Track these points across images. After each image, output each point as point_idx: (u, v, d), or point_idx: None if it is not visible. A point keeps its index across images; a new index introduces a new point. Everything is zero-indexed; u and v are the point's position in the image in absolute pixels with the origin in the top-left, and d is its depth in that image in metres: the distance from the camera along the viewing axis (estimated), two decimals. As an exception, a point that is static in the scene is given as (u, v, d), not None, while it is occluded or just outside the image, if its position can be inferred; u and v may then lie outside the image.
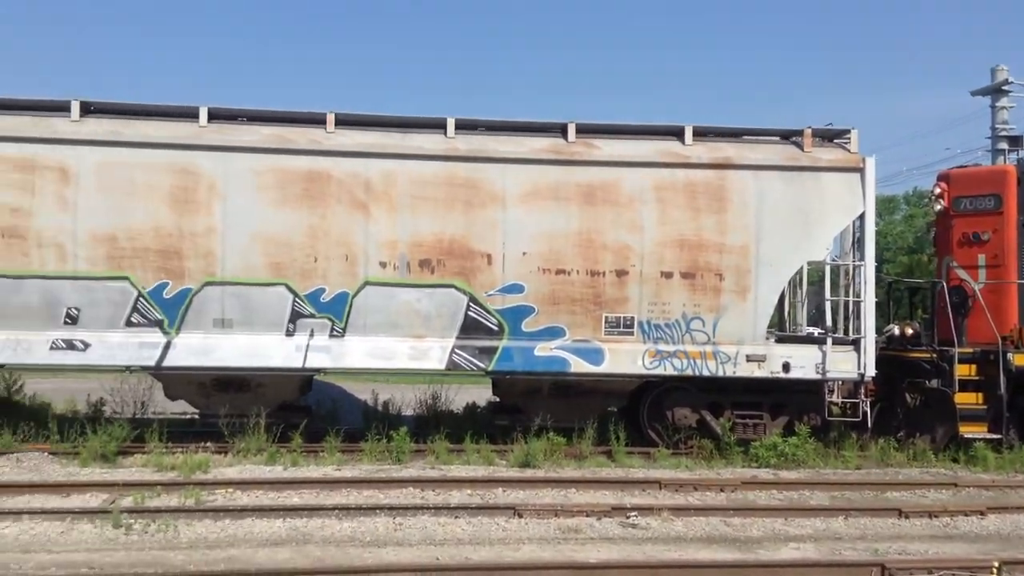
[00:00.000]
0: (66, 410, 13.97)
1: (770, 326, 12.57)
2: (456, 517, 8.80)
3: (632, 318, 11.82)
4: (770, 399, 12.42)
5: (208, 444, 11.59)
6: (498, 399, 13.33)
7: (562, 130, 12.01)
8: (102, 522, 8.15)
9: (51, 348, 11.05)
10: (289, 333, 11.44)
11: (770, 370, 11.96)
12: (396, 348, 11.58)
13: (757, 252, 11.87)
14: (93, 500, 8.97)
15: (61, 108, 11.20)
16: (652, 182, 11.84)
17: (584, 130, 12.02)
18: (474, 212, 11.61)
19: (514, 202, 11.66)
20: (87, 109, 11.29)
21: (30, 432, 11.58)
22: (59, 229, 10.93)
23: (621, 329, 11.83)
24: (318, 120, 11.59)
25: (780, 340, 12.38)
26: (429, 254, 11.54)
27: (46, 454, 10.93)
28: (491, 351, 11.69)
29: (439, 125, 11.79)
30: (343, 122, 11.65)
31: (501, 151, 11.72)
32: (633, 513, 9.13)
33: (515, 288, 11.70)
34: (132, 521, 8.18)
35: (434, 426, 12.73)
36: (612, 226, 11.71)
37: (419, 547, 7.92)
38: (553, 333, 11.72)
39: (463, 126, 11.85)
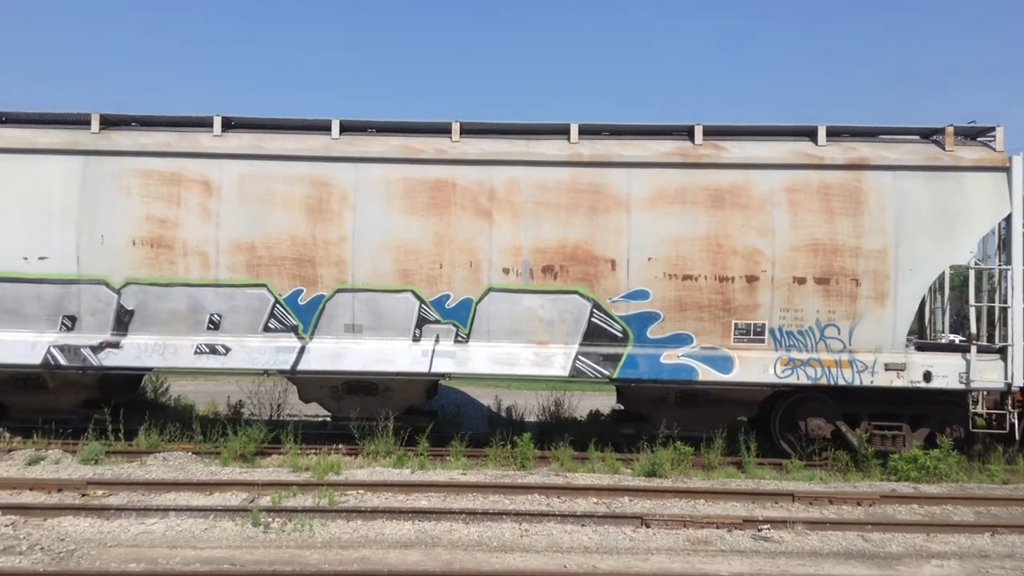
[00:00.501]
0: (208, 412, 14.74)
1: (910, 333, 11.97)
2: (582, 525, 8.76)
3: (763, 325, 11.49)
4: (910, 410, 11.84)
5: (340, 446, 11.97)
6: (622, 407, 13.21)
7: (688, 132, 11.82)
8: (242, 520, 8.49)
9: (196, 352, 11.64)
10: (416, 339, 11.67)
11: (910, 379, 11.39)
12: (519, 354, 11.64)
13: (896, 256, 11.33)
14: (234, 499, 9.37)
15: (204, 124, 11.83)
16: (783, 184, 11.50)
17: (711, 132, 11.79)
18: (598, 217, 11.55)
19: (639, 206, 11.54)
20: (228, 124, 11.88)
21: (175, 432, 12.29)
22: (203, 239, 11.52)
23: (751, 336, 11.52)
24: (444, 129, 11.81)
25: (920, 348, 11.77)
26: (552, 260, 11.56)
27: (190, 454, 11.54)
28: (615, 358, 11.59)
29: (563, 131, 11.81)
30: (468, 131, 11.84)
31: (625, 155, 11.63)
32: (765, 526, 8.85)
33: (640, 294, 11.56)
34: (270, 520, 8.49)
35: (557, 433, 12.73)
36: (741, 230, 11.43)
37: (546, 554, 7.92)
38: (680, 340, 11.53)
39: (587, 131, 11.83)
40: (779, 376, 11.47)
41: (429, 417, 12.74)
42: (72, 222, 11.42)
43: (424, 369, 11.68)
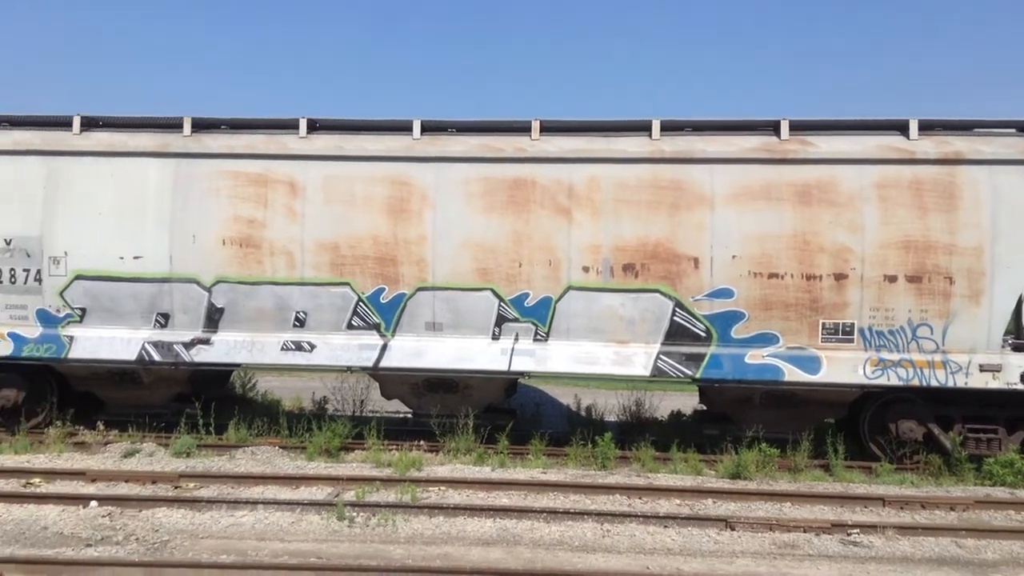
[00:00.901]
0: (293, 407, 15.12)
1: (1006, 333, 11.49)
2: (665, 527, 8.68)
3: (852, 324, 11.19)
4: (1006, 412, 11.39)
5: (421, 442, 12.14)
6: (705, 407, 13.04)
7: (774, 127, 11.59)
8: (328, 514, 8.67)
9: (282, 349, 11.93)
10: (495, 337, 11.73)
11: (1006, 381, 10.95)
12: (599, 353, 11.60)
13: (992, 253, 10.90)
14: (319, 493, 9.58)
15: (290, 126, 12.12)
16: (873, 179, 11.18)
17: (798, 127, 11.54)
18: (680, 215, 11.42)
19: (723, 203, 11.37)
20: (313, 126, 12.14)
21: (263, 427, 12.64)
22: (289, 239, 11.80)
23: (840, 336, 11.23)
24: (524, 128, 11.84)
25: (1017, 348, 11.29)
26: (633, 258, 11.47)
27: (277, 448, 11.86)
28: (698, 358, 11.44)
29: (644, 128, 11.71)
30: (548, 129, 11.84)
31: (709, 151, 11.47)
32: (855, 530, 8.64)
33: (724, 293, 11.39)
34: (355, 514, 8.66)
35: (638, 432, 12.64)
36: (829, 227, 11.15)
37: (628, 555, 7.88)
38: (765, 340, 11.32)
39: (668, 127, 11.71)
40: (869, 377, 11.16)
41: (508, 415, 12.81)
42: (165, 223, 11.84)
43: (503, 367, 11.73)
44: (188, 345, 11.96)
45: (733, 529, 8.63)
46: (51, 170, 11.99)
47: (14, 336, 12.06)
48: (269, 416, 13.07)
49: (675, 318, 11.46)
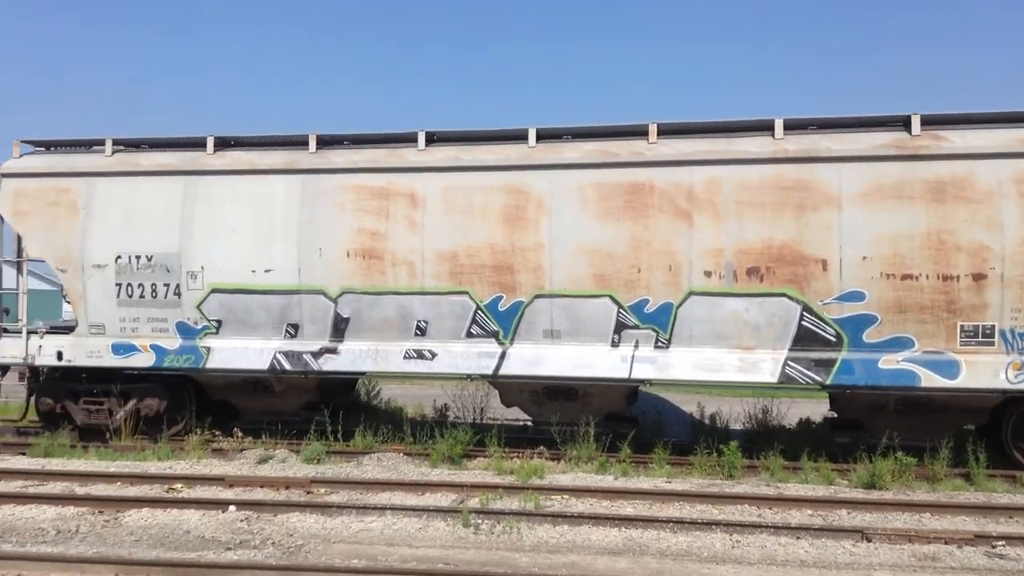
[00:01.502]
0: (415, 414, 15.46)
1: None
2: (797, 538, 8.45)
3: (992, 327, 10.63)
4: None
5: (542, 449, 12.21)
6: (836, 415, 12.61)
7: (904, 123, 11.14)
8: (453, 521, 8.82)
9: (405, 357, 12.24)
10: (614, 344, 11.69)
11: None
12: (724, 360, 11.39)
13: None
14: (443, 499, 9.77)
15: (409, 139, 12.46)
16: (1012, 174, 10.60)
17: (929, 121, 11.06)
18: (806, 216, 11.11)
19: (851, 203, 11.00)
20: (431, 139, 12.44)
21: (388, 434, 12.98)
22: (410, 249, 12.09)
23: (979, 339, 10.68)
24: (640, 132, 11.78)
25: None
26: (757, 262, 11.23)
27: (402, 455, 12.16)
28: (828, 364, 11.09)
29: (766, 127, 11.46)
30: (665, 131, 11.75)
31: (835, 149, 11.12)
32: (1000, 542, 8.20)
33: (854, 296, 11.01)
34: (479, 521, 8.78)
35: (766, 441, 12.33)
36: (965, 225, 10.63)
37: (759, 566, 7.71)
38: (899, 344, 10.87)
39: (792, 126, 11.42)
40: (1012, 382, 10.57)
41: (630, 423, 12.74)
42: (293, 237, 12.35)
43: (623, 375, 11.68)
44: (316, 354, 12.43)
45: (869, 541, 8.33)
46: (188, 189, 12.70)
47: (156, 348, 12.82)
48: (393, 423, 13.42)
49: (803, 322, 11.15)
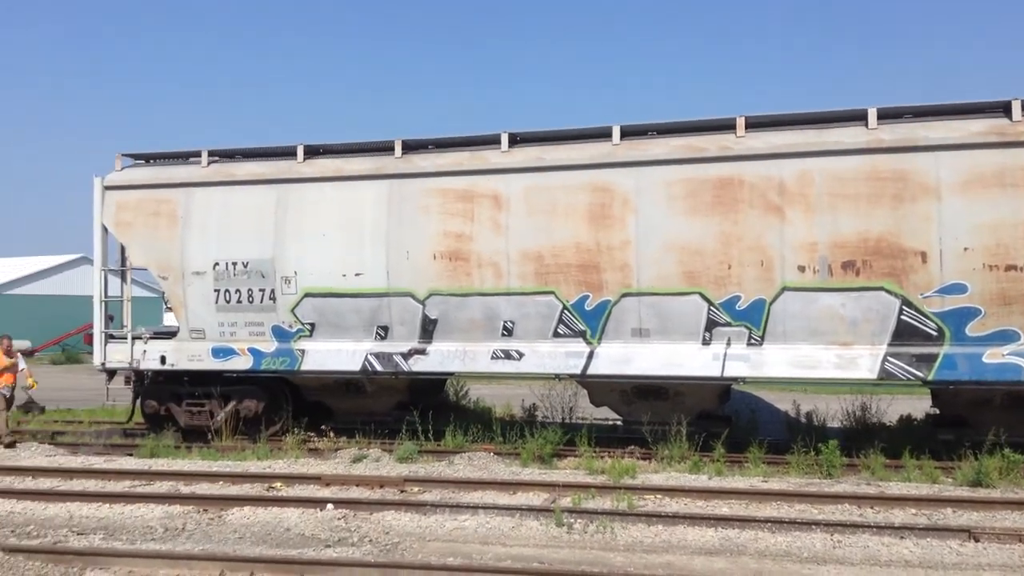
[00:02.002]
0: (504, 414, 15.58)
1: None
2: (901, 537, 8.20)
3: (1107, 318, 10.13)
4: None
5: (633, 449, 12.15)
6: (938, 411, 12.20)
7: (1004, 109, 10.72)
8: (546, 520, 8.85)
9: (492, 358, 12.36)
10: (705, 342, 11.56)
11: None
12: (820, 356, 11.16)
13: None
14: (535, 499, 9.81)
15: (492, 141, 12.58)
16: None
17: (1032, 105, 10.60)
18: (903, 207, 10.79)
19: (950, 192, 10.64)
20: (514, 140, 12.53)
21: (477, 433, 13.12)
22: (495, 251, 12.20)
23: (1092, 331, 10.20)
24: (727, 126, 11.63)
25: None
26: (853, 255, 10.96)
27: (492, 454, 12.27)
28: (930, 359, 10.76)
29: (859, 117, 11.18)
30: (753, 124, 11.57)
31: (932, 138, 10.77)
32: (1121, 544, 7.81)
33: (956, 288, 10.65)
34: (572, 520, 8.79)
35: (865, 439, 12.01)
36: (1074, 212, 10.17)
37: (862, 567, 7.52)
38: (1005, 337, 10.47)
39: (886, 115, 11.11)
40: None
41: (723, 422, 12.57)
42: (381, 240, 12.60)
43: (715, 373, 11.54)
44: (406, 355, 12.67)
45: (977, 540, 8.03)
46: (280, 196, 13.10)
47: (253, 351, 13.27)
48: (482, 423, 13.56)
49: (903, 317, 10.85)
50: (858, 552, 7.90)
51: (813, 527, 8.38)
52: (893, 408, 13.75)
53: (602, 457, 11.72)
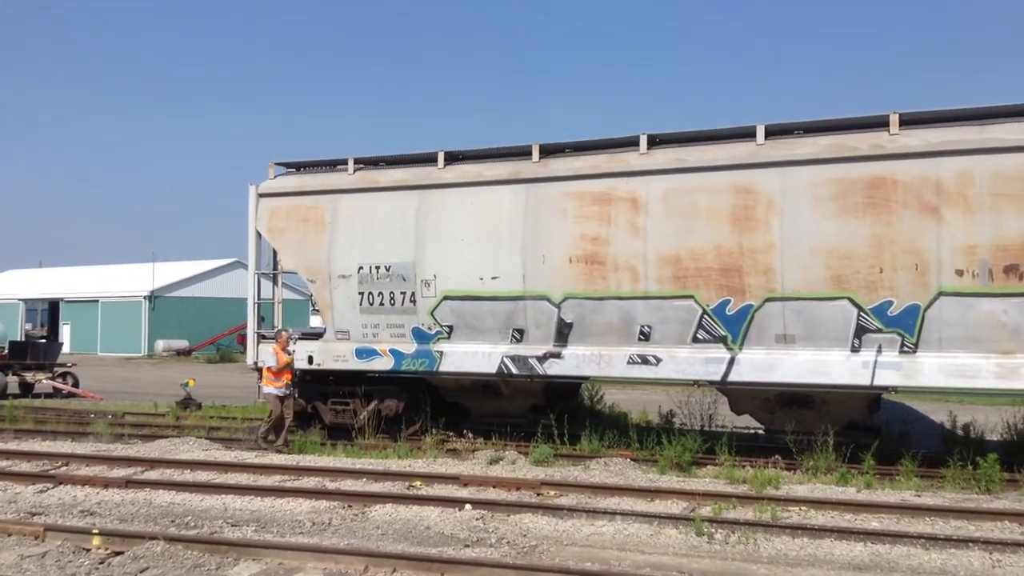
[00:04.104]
0: (640, 420, 15.47)
1: None
2: (1070, 561, 7.68)
3: None
4: None
5: (777, 458, 11.84)
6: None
7: None
8: (685, 528, 8.70)
9: (628, 363, 12.31)
10: (854, 349, 11.15)
11: None
12: (979, 365, 10.57)
13: None
14: (674, 507, 9.67)
15: (631, 143, 12.53)
16: None
17: None
18: (1077, 206, 10.09)
19: None
20: (653, 141, 12.45)
21: (613, 439, 13.10)
22: (632, 254, 12.13)
23: None
24: (880, 123, 11.18)
25: None
26: (1016, 258, 10.34)
27: (628, 460, 12.21)
28: (1104, 369, 10.01)
29: (1023, 112, 10.53)
30: (908, 121, 11.08)
31: (1108, 131, 10.03)
32: None
33: None
34: (713, 530, 8.62)
35: (1030, 453, 11.27)
36: None
37: (1026, 591, 7.10)
38: None
39: (1053, 109, 10.42)
40: None
41: (872, 433, 12.07)
42: (518, 244, 12.79)
43: (865, 382, 11.12)
44: (541, 359, 12.80)
45: None
46: (421, 202, 13.52)
47: (394, 352, 13.73)
48: (617, 428, 13.51)
49: (1074, 324, 10.12)
50: (1020, 573, 7.46)
51: (970, 544, 7.96)
52: (1061, 420, 12.83)
53: (744, 467, 11.47)
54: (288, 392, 13.78)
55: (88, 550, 8.10)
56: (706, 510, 9.34)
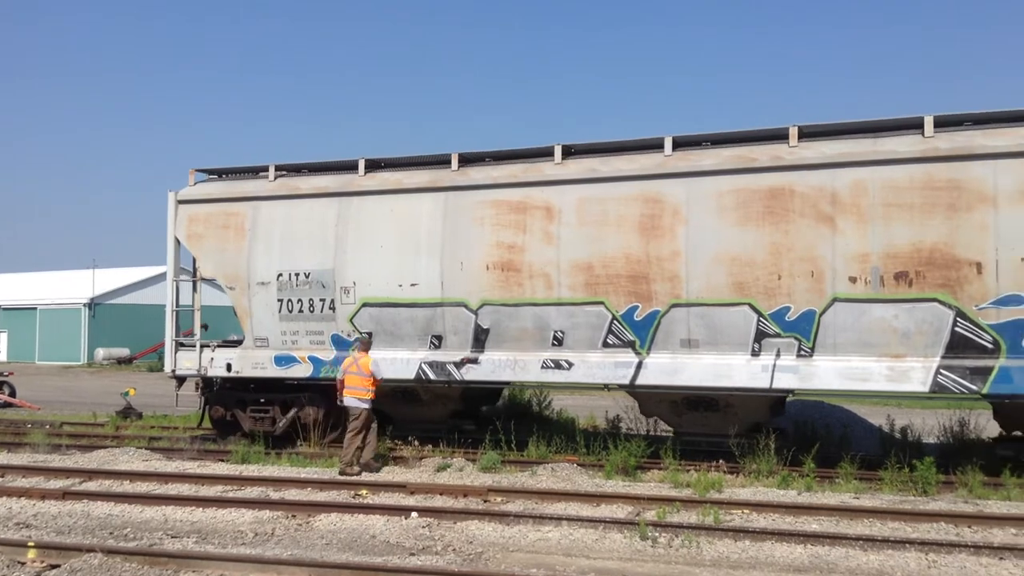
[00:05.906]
0: (587, 425, 13.62)
1: None
2: (1000, 558, 6.33)
3: None
4: None
5: (720, 462, 10.14)
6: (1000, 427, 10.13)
7: (1067, 115, 8.86)
8: (630, 533, 7.15)
9: (542, 367, 10.57)
10: (754, 353, 9.70)
11: None
12: (871, 368, 9.24)
13: None
14: (619, 511, 8.04)
15: (546, 154, 10.91)
16: None
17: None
18: (958, 216, 8.93)
19: (1007, 201, 8.81)
20: (568, 152, 10.84)
21: (561, 444, 11.15)
22: (546, 261, 10.48)
23: None
24: (780, 136, 9.85)
25: None
26: (905, 266, 9.09)
27: (575, 465, 10.25)
28: (985, 371, 8.84)
29: (914, 125, 9.37)
30: (806, 134, 9.79)
31: (990, 146, 8.93)
32: None
33: (1013, 300, 8.78)
34: (657, 534, 7.05)
35: (963, 455, 9.82)
36: None
37: (966, 590, 5.57)
38: (1068, 350, 8.48)
39: (943, 123, 9.27)
40: None
41: (779, 435, 10.49)
42: (437, 252, 10.92)
43: (764, 385, 9.65)
44: (458, 364, 10.89)
45: (1089, 564, 6.06)
46: (341, 209, 11.48)
47: (313, 359, 11.59)
48: (565, 434, 11.55)
49: (956, 329, 8.94)
50: (954, 572, 6.16)
51: (907, 546, 6.52)
52: (993, 424, 11.57)
53: (688, 470, 9.76)
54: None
55: (23, 563, 6.72)
56: (650, 514, 7.66)
